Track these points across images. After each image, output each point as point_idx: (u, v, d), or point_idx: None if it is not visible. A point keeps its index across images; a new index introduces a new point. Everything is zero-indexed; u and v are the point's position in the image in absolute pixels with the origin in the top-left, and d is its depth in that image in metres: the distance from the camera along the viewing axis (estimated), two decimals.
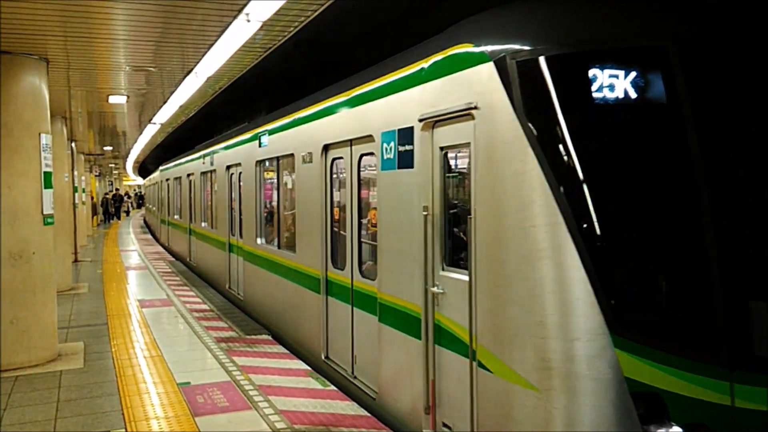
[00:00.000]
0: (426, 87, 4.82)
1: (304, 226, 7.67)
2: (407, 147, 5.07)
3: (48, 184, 7.57)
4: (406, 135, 5.09)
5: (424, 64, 4.89)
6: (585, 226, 3.70)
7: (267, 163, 9.82)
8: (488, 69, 4.08)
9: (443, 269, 4.76)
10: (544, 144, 3.81)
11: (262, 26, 6.27)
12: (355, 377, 6.37)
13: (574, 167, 3.78)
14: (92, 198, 30.47)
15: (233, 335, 8.79)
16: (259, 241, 9.97)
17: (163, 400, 6.10)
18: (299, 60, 10.47)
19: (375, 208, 5.97)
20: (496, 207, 4.00)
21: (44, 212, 7.49)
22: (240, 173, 11.13)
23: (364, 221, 6.41)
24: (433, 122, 4.76)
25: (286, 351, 7.96)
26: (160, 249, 21.92)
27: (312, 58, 10.63)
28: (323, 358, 7.11)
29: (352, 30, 9.15)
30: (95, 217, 32.50)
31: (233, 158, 11.63)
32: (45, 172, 7.52)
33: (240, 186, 11.21)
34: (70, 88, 10.12)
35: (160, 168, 24.84)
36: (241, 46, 7.11)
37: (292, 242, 8.31)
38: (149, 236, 27.88)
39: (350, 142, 6.36)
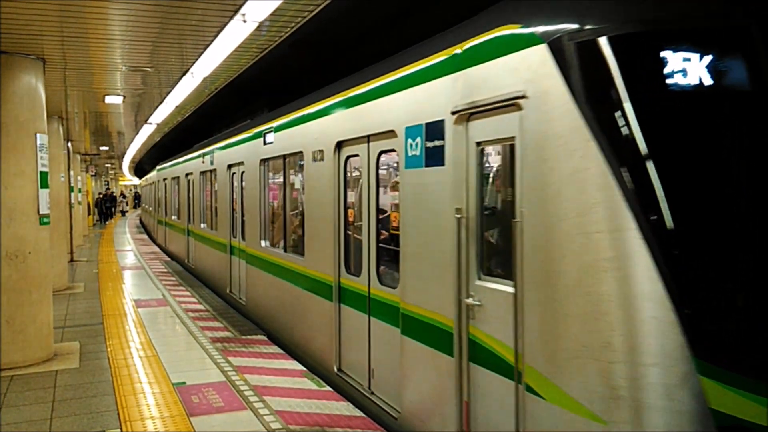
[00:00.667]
0: (460, 75, 4.33)
1: (314, 229, 7.16)
2: (437, 143, 4.60)
3: (44, 184, 7.57)
4: (435, 129, 4.61)
5: (458, 49, 4.39)
6: (661, 231, 3.18)
7: (272, 162, 9.33)
8: (540, 52, 3.59)
9: (480, 279, 4.27)
10: (610, 137, 3.30)
11: (259, 26, 6.28)
12: (372, 393, 5.91)
13: (645, 164, 3.26)
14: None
15: (229, 335, 8.79)
16: (263, 243, 9.48)
17: (158, 400, 6.10)
18: (307, 54, 10.20)
19: (396, 210, 5.56)
20: (549, 210, 3.52)
21: (40, 212, 7.49)
22: (242, 172, 10.66)
23: (384, 224, 6.00)
24: (468, 115, 4.28)
25: (281, 351, 7.96)
26: (156, 249, 21.90)
27: (321, 52, 10.35)
28: (335, 370, 6.63)
29: (364, 20, 8.76)
30: (90, 217, 32.43)
31: (235, 157, 11.10)
32: (41, 172, 7.52)
33: (242, 186, 10.74)
34: (66, 88, 10.12)
35: (157, 167, 24.39)
36: (237, 47, 7.12)
37: (300, 245, 7.83)
38: (145, 236, 27.84)
39: (368, 139, 5.90)
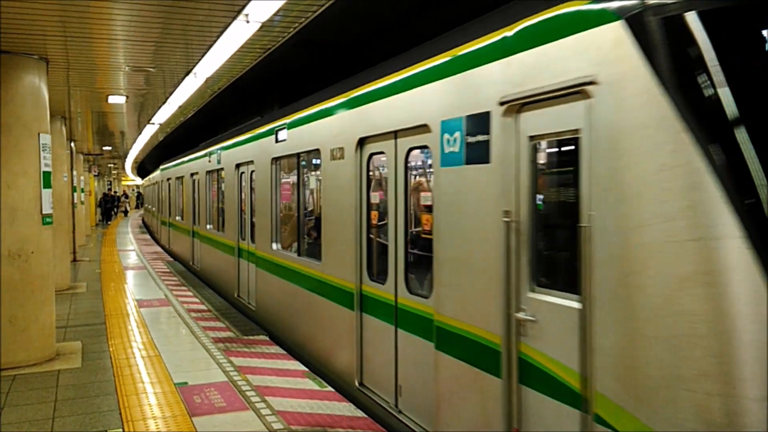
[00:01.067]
0: (511, 61, 3.85)
1: (333, 232, 6.67)
2: (480, 137, 4.12)
3: (47, 184, 7.58)
4: (478, 122, 4.14)
5: (508, 32, 3.91)
6: None
7: (285, 161, 8.89)
8: (615, 30, 3.12)
9: (533, 290, 3.78)
10: (708, 128, 2.79)
11: (261, 26, 6.28)
12: (399, 411, 5.44)
13: (752, 160, 2.76)
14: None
15: (231, 335, 8.80)
16: (274, 246, 8.97)
17: (160, 400, 6.11)
18: (323, 47, 9.86)
19: (429, 212, 5.04)
20: (627, 213, 3.04)
21: (43, 212, 7.50)
22: (252, 172, 10.18)
23: (414, 227, 5.52)
24: (519, 105, 3.81)
25: (283, 351, 7.96)
26: (158, 249, 21.91)
27: (339, 44, 9.98)
28: (357, 384, 6.16)
29: (389, 8, 8.25)
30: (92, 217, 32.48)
31: (244, 155, 10.59)
32: (44, 172, 7.53)
33: (252, 186, 10.30)
34: (69, 88, 10.13)
35: (161, 167, 23.98)
36: (240, 47, 7.13)
37: (316, 249, 7.37)
38: (147, 236, 27.86)
39: (395, 135, 5.46)
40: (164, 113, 13.15)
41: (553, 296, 3.64)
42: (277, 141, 8.66)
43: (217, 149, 12.86)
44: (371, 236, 6.10)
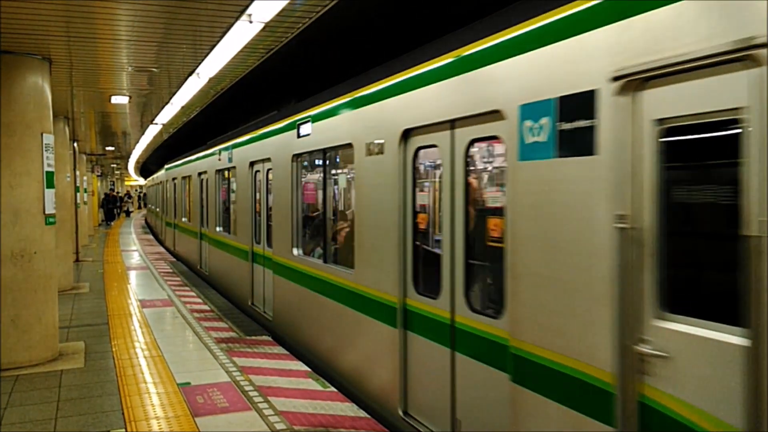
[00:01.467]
0: (632, 24, 3.08)
1: (369, 237, 5.94)
2: (581, 123, 3.39)
3: (50, 184, 7.58)
4: (578, 104, 3.39)
5: None
6: None
7: (308, 157, 8.14)
8: None
9: (661, 317, 3.00)
10: None
11: (264, 27, 6.28)
12: None
13: None
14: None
15: (233, 336, 8.79)
16: (295, 252, 8.19)
17: (163, 400, 6.10)
18: (350, 33, 9.15)
19: (498, 215, 4.34)
20: None
21: (46, 212, 7.51)
22: (269, 170, 9.44)
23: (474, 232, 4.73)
24: (641, 80, 3.06)
25: (286, 352, 7.95)
26: (161, 249, 21.92)
27: (370, 27, 9.22)
28: (400, 413, 5.39)
29: None
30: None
31: (260, 152, 9.80)
32: (47, 172, 7.53)
33: (268, 185, 9.55)
34: (72, 88, 10.15)
35: (166, 166, 23.24)
36: (244, 47, 7.13)
37: (347, 256, 6.63)
38: (150, 236, 27.88)
39: (451, 124, 4.70)
40: (167, 113, 13.16)
41: (696, 327, 2.84)
42: (299, 136, 7.90)
43: (229, 146, 12.08)
44: (418, 243, 5.34)
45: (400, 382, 5.42)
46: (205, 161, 14.57)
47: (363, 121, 6.07)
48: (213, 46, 7.17)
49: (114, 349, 8.02)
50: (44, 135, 7.51)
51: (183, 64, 8.28)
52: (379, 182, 5.73)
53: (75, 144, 17.63)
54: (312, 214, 8.41)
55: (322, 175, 7.60)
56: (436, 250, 5.02)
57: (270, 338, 8.69)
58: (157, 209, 28.25)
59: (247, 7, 5.71)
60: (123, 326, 9.36)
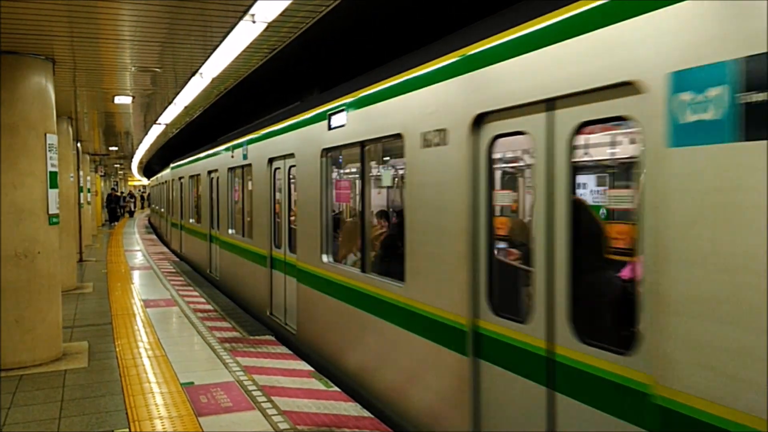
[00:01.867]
0: None
1: (426, 245, 5.05)
2: None
3: (53, 184, 7.59)
4: None
5: None
6: None
7: (342, 152, 7.28)
8: None
9: None
10: None
11: (267, 27, 6.28)
12: None
13: None
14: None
15: (237, 335, 8.80)
16: (325, 258, 7.32)
17: (166, 400, 6.11)
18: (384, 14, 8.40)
19: (624, 220, 3.73)
20: None
21: (49, 212, 7.52)
22: (291, 167, 8.63)
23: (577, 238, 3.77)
24: None
25: (289, 351, 7.95)
26: (165, 249, 21.93)
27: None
28: None
29: None
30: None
31: (281, 148, 8.92)
32: (50, 172, 7.54)
33: (290, 184, 8.77)
34: (76, 89, 10.16)
35: (171, 165, 22.37)
36: (247, 47, 7.12)
37: (392, 266, 5.85)
38: (153, 236, 27.91)
39: (548, 105, 3.81)
40: (170, 113, 13.17)
41: None
42: (330, 128, 7.02)
43: (243, 142, 11.23)
44: (494, 252, 4.47)
45: (470, 419, 4.49)
46: (216, 159, 13.80)
47: (417, 108, 5.19)
48: (216, 46, 7.17)
49: (117, 349, 8.03)
50: (48, 135, 7.52)
51: (186, 64, 8.28)
52: (439, 179, 4.85)
53: (78, 144, 17.64)
54: (346, 216, 7.63)
55: (359, 171, 6.71)
56: (516, 263, 4.11)
57: (273, 338, 8.69)
58: (162, 209, 27.83)
59: (250, 6, 5.71)
60: (126, 326, 9.37)
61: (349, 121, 6.58)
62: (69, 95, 10.77)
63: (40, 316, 7.40)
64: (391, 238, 6.39)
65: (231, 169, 12.46)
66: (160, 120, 14.35)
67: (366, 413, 5.76)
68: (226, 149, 12.69)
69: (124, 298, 11.87)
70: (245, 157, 11.05)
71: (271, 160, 9.55)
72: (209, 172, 14.65)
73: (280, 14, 5.89)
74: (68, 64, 8.13)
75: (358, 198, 6.96)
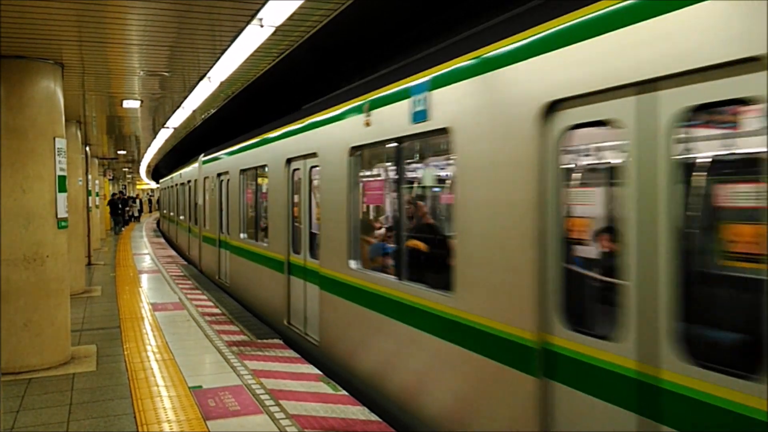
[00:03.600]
0: None
1: (481, 251, 4.51)
2: None
3: (62, 188, 7.61)
4: None
5: None
6: None
7: (374, 151, 6.82)
8: None
9: None
10: None
11: (275, 31, 6.29)
12: None
13: None
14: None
15: (245, 339, 8.80)
16: (353, 265, 6.79)
17: (174, 404, 6.11)
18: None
19: (752, 219, 3.22)
20: None
21: (58, 216, 7.54)
22: (312, 168, 8.16)
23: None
24: None
25: (297, 355, 7.94)
26: (173, 252, 21.97)
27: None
28: None
29: None
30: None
31: (303, 147, 8.35)
32: (59, 176, 7.57)
33: (311, 186, 8.33)
34: (84, 93, 10.21)
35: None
36: (255, 51, 7.13)
37: (441, 274, 5.16)
38: (162, 240, 27.96)
39: (640, 88, 3.25)
40: (179, 117, 13.20)
41: None
42: (368, 124, 6.42)
43: (257, 142, 10.84)
44: (573, 259, 4.05)
45: None
46: (227, 160, 13.32)
47: (467, 98, 4.67)
48: (224, 51, 7.18)
49: (126, 353, 8.04)
50: (57, 139, 7.55)
51: (194, 68, 8.30)
52: (496, 176, 4.33)
53: (87, 148, 17.72)
54: (377, 220, 7.27)
55: (396, 170, 6.18)
56: (612, 277, 3.52)
57: (281, 341, 8.68)
58: (172, 214, 27.57)
59: (258, 11, 5.72)
60: (135, 329, 9.39)
61: (380, 118, 6.09)
62: (78, 99, 10.82)
63: (48, 319, 7.42)
64: (437, 244, 5.90)
65: (243, 171, 12.07)
66: (168, 124, 14.40)
67: (374, 417, 5.74)
68: (240, 150, 12.08)
69: (132, 301, 11.89)
70: (260, 158, 10.59)
71: (289, 161, 9.06)
72: (219, 175, 14.21)
73: (288, 18, 5.90)
74: (77, 68, 8.17)
75: (392, 200, 6.53)
